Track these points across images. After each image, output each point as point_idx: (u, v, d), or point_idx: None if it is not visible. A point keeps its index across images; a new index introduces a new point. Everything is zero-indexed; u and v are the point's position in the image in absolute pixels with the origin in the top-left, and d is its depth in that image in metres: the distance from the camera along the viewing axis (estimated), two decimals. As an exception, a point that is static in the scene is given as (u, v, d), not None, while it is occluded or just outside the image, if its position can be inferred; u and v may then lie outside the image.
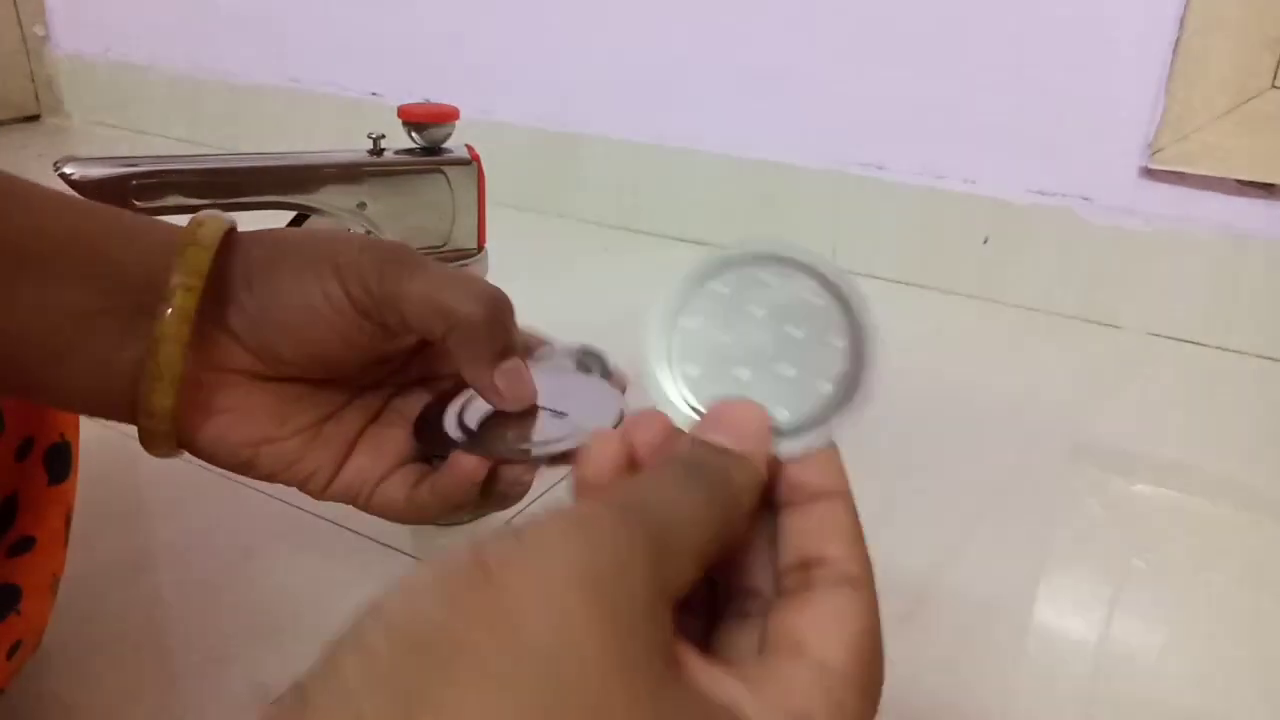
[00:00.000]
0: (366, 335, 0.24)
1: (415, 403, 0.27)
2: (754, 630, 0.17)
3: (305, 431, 0.25)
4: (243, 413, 0.25)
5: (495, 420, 0.25)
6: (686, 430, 0.18)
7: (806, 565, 0.17)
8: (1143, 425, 0.55)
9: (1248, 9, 0.59)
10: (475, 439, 0.25)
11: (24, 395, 0.26)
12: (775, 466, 0.18)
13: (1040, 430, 0.54)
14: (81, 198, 0.25)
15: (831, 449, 0.18)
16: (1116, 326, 0.68)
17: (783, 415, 0.18)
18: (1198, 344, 0.66)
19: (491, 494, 0.25)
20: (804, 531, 0.17)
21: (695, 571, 0.15)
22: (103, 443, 0.39)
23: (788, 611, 0.16)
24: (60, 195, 0.24)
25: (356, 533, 0.41)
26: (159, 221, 0.25)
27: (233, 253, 0.24)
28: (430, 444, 0.26)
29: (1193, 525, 0.46)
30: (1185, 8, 0.60)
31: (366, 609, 0.13)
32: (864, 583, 0.17)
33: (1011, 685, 0.35)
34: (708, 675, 0.15)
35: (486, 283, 0.25)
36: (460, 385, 0.26)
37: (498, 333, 0.24)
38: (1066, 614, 0.39)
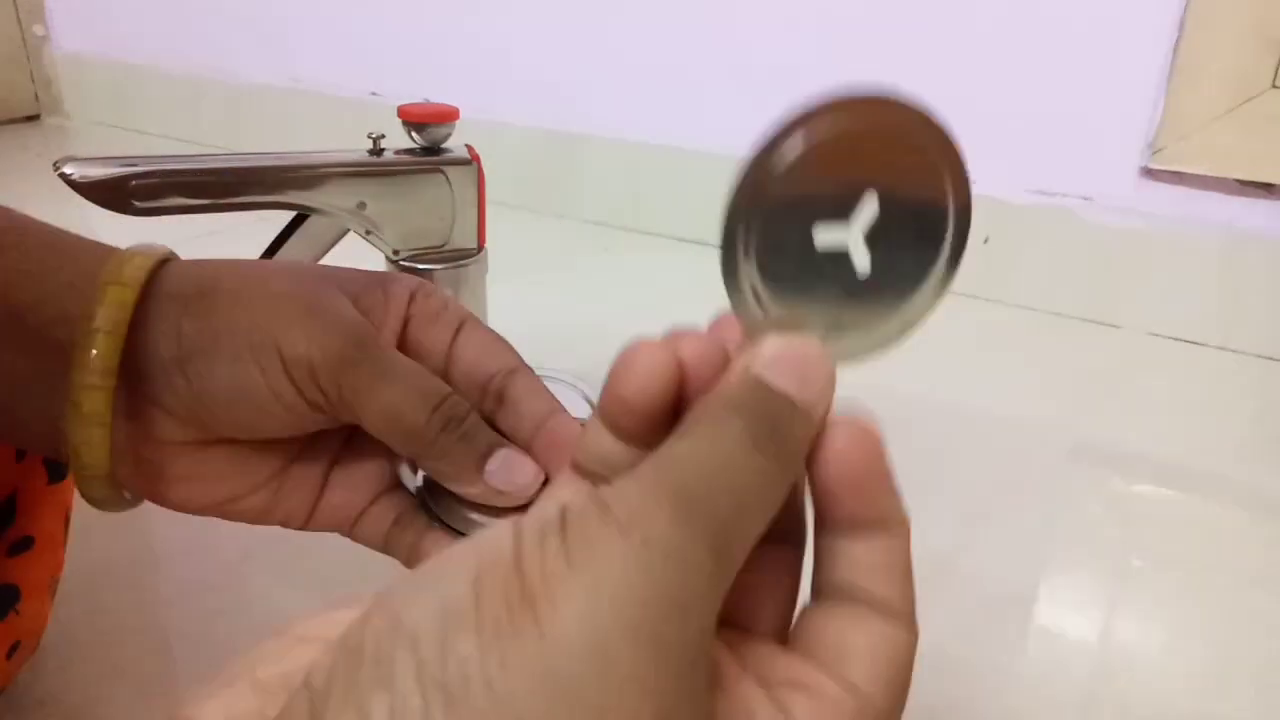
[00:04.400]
0: (317, 424, 0.23)
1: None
2: (769, 578, 0.16)
3: (270, 483, 0.24)
4: (200, 478, 0.23)
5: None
6: (752, 343, 0.15)
7: (858, 596, 0.15)
8: (1142, 425, 0.55)
9: (1248, 9, 0.59)
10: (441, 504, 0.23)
11: None
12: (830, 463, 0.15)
13: (1040, 430, 0.54)
14: (6, 218, 0.22)
15: (893, 489, 0.15)
16: (1116, 326, 0.68)
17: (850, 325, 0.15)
18: (1198, 344, 0.66)
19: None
20: (860, 563, 0.16)
21: (744, 559, 0.14)
22: (102, 442, 0.39)
23: (833, 621, 0.15)
24: None
25: (356, 533, 0.41)
26: (70, 249, 0.22)
27: (156, 321, 0.21)
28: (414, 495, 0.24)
29: (1192, 525, 0.46)
30: (1185, 8, 0.60)
31: (394, 619, 0.12)
32: (913, 626, 0.16)
33: (1011, 685, 0.35)
34: (741, 694, 0.14)
35: (436, 391, 0.22)
36: None
37: (469, 441, 0.22)
38: (1066, 614, 0.39)
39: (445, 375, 0.24)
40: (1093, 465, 0.51)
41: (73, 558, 0.33)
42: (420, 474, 0.25)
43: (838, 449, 0.15)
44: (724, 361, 0.16)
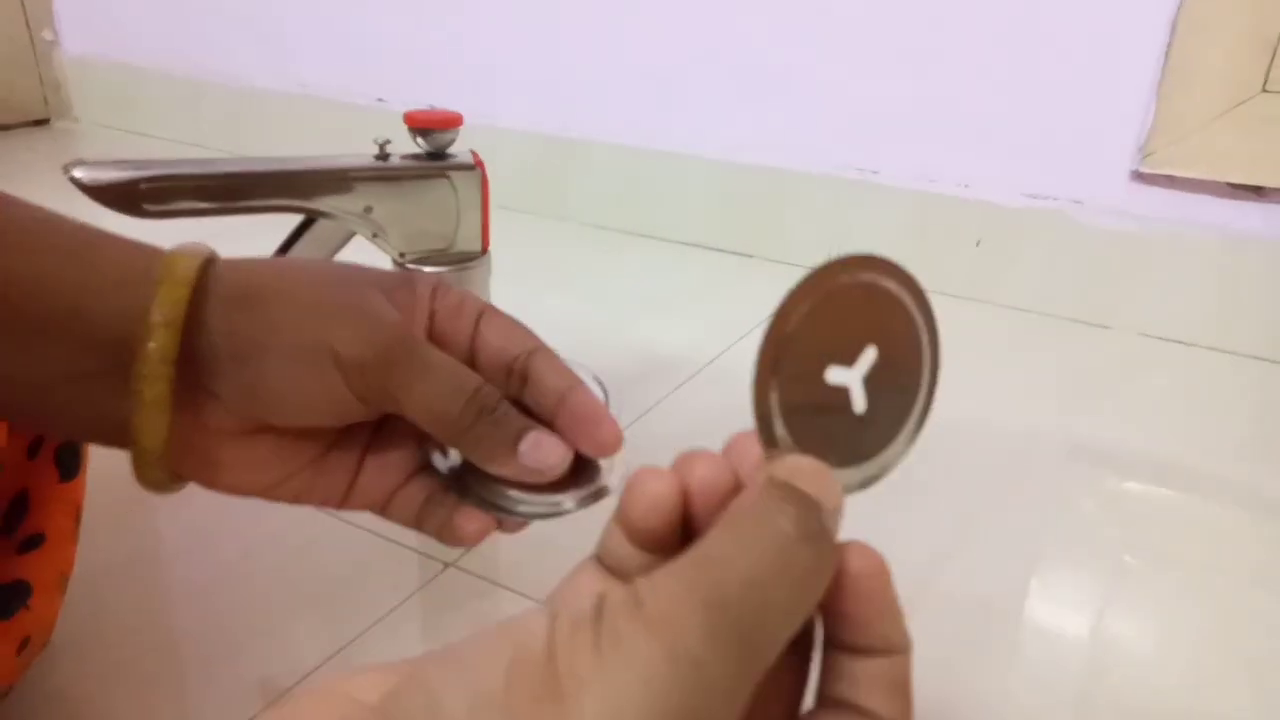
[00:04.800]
0: (362, 415, 0.24)
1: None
2: (774, 682, 0.16)
3: (310, 467, 0.25)
4: (246, 465, 0.25)
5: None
6: (770, 463, 0.16)
7: (858, 713, 0.16)
8: (1135, 427, 0.55)
9: (1239, 12, 0.59)
10: (469, 485, 0.25)
11: (23, 430, 0.26)
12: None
13: (1034, 432, 0.54)
14: (34, 211, 0.23)
15: (898, 612, 0.16)
16: (1109, 328, 0.68)
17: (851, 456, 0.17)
18: (1190, 345, 0.66)
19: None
20: (859, 681, 0.16)
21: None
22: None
23: None
24: (15, 216, 0.23)
25: (362, 528, 0.41)
26: (123, 249, 0.23)
27: (211, 317, 0.23)
28: (437, 459, 0.26)
29: (1186, 526, 0.46)
30: (1177, 11, 0.61)
31: (422, 697, 0.12)
32: None
33: (1007, 684, 0.35)
34: None
35: (470, 382, 0.24)
36: None
37: (505, 425, 0.24)
38: (1062, 613, 0.39)
39: (472, 362, 0.26)
40: (1088, 466, 0.51)
41: (81, 556, 0.33)
42: (456, 456, 0.26)
43: (852, 571, 0.15)
44: (734, 484, 0.17)
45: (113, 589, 0.38)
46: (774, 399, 0.16)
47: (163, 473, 0.23)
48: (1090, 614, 0.39)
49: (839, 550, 0.15)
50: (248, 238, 0.44)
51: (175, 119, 1.10)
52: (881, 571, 0.16)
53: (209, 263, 0.24)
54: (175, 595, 0.39)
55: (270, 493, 0.26)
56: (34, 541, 0.31)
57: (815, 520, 0.14)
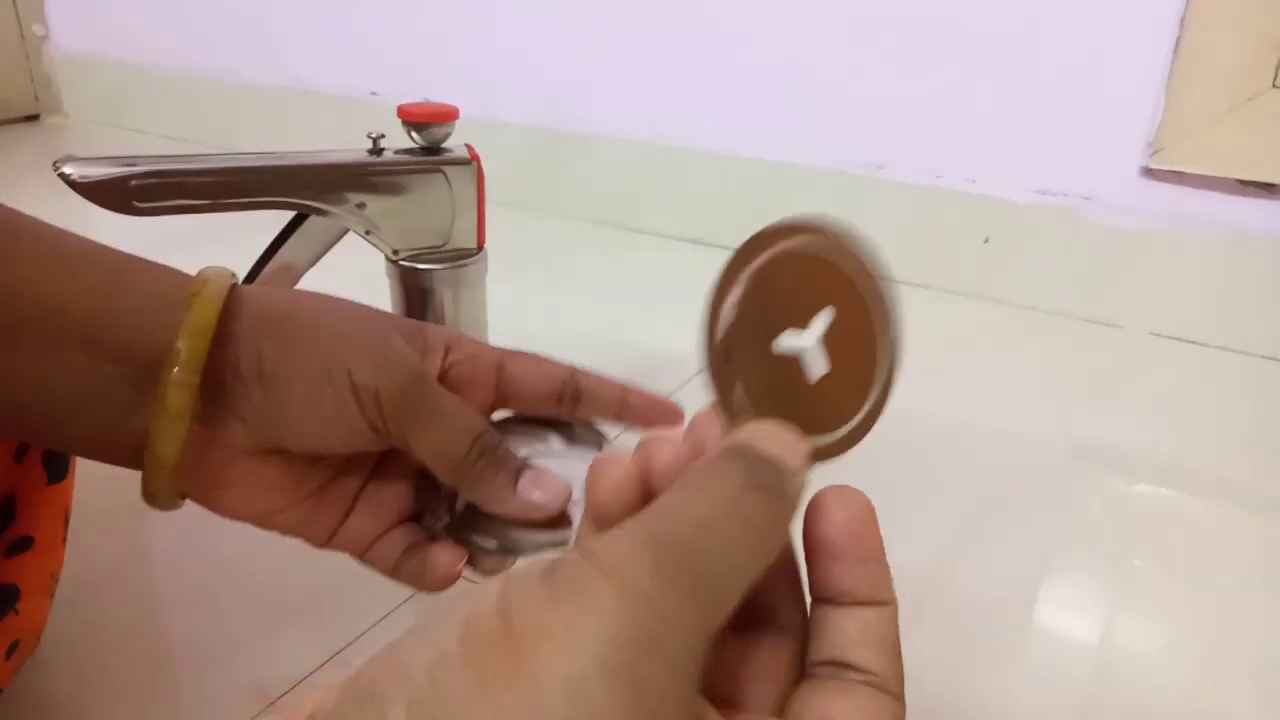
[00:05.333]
0: (374, 445, 0.25)
1: (410, 458, 0.27)
2: (767, 663, 0.17)
3: (311, 498, 0.26)
4: (249, 486, 0.26)
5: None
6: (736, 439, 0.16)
7: (844, 665, 0.16)
8: (1143, 425, 0.55)
9: (1249, 9, 0.59)
10: (465, 524, 0.26)
11: (31, 444, 0.26)
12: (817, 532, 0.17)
13: (1041, 430, 0.54)
14: (60, 238, 0.24)
15: (884, 562, 0.17)
16: (1117, 326, 0.68)
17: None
18: (1199, 343, 0.66)
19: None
20: (849, 635, 0.16)
21: (737, 604, 0.14)
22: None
23: (820, 693, 0.16)
24: (40, 242, 0.23)
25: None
26: (150, 271, 0.24)
27: (238, 337, 0.24)
28: (428, 519, 0.27)
29: (1193, 525, 0.46)
30: (1186, 7, 0.60)
31: (391, 663, 0.12)
32: (900, 698, 0.16)
33: (1011, 686, 0.35)
34: None
35: (475, 426, 0.26)
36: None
37: (504, 468, 0.25)
38: (1067, 615, 0.39)
39: (503, 403, 0.28)
40: (1094, 465, 0.51)
41: (72, 559, 0.33)
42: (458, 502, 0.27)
43: (835, 512, 0.16)
44: (697, 458, 0.17)
45: (104, 592, 0.37)
46: (728, 377, 0.17)
47: (172, 485, 0.24)
48: (1096, 616, 0.39)
49: (821, 495, 0.16)
50: (238, 235, 0.44)
51: (166, 114, 1.10)
52: (865, 510, 0.16)
53: (235, 286, 0.25)
54: (166, 599, 0.38)
55: (267, 520, 0.26)
56: (22, 545, 0.31)
57: (768, 473, 0.15)
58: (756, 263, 0.17)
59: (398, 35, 0.92)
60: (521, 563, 0.25)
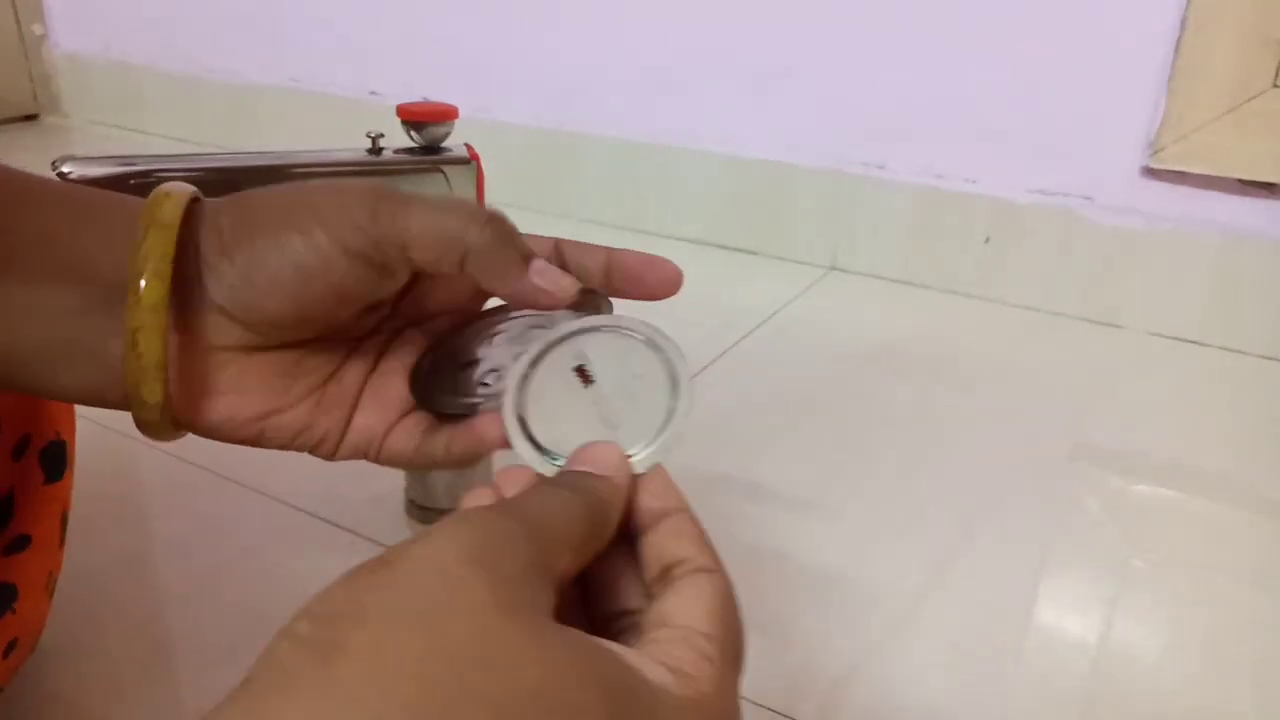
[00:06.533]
0: (360, 282, 0.23)
1: (411, 348, 0.27)
2: (631, 640, 0.19)
3: (308, 397, 0.25)
4: (242, 390, 0.24)
5: (487, 371, 0.26)
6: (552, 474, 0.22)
7: (666, 569, 0.20)
8: (1143, 425, 0.55)
9: (1249, 9, 0.59)
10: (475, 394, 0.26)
11: (22, 392, 0.26)
12: (630, 501, 0.21)
13: (1040, 430, 0.54)
14: (23, 175, 0.24)
15: (666, 478, 0.22)
16: (1117, 326, 0.68)
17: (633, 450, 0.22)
18: (1198, 343, 0.66)
19: None
20: (658, 543, 0.20)
21: (572, 561, 0.18)
22: (100, 441, 0.39)
23: (655, 603, 0.19)
24: (16, 179, 0.23)
25: (352, 532, 0.41)
26: (124, 200, 0.24)
27: (200, 225, 0.23)
28: (431, 403, 0.26)
29: (1192, 525, 0.46)
30: (1186, 7, 0.60)
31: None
32: (716, 568, 0.20)
33: (1011, 685, 0.35)
34: (591, 637, 0.17)
35: (478, 204, 0.24)
36: (455, 327, 0.26)
37: (515, 241, 0.24)
38: (1066, 614, 0.39)
39: None
40: (1093, 465, 0.51)
41: (71, 558, 0.33)
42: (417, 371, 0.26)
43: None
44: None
45: (102, 591, 0.37)
46: (538, 452, 0.22)
47: (162, 393, 0.23)
48: (1095, 615, 0.39)
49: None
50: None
51: (165, 113, 1.10)
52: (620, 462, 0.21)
53: (197, 198, 0.24)
54: (165, 597, 0.38)
55: (265, 425, 0.25)
56: (20, 543, 0.31)
57: (568, 479, 0.20)
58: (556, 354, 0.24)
59: (397, 35, 0.92)
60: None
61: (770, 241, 0.79)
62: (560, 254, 0.26)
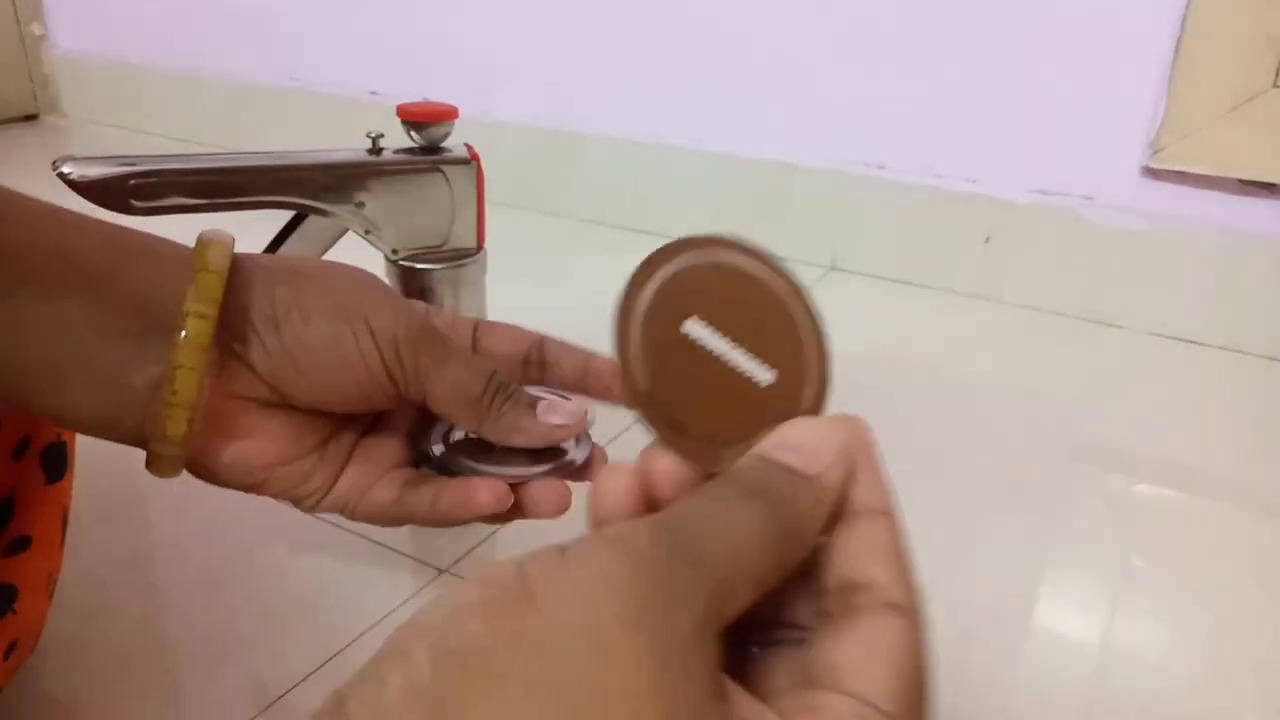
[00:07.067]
0: (388, 399, 0.26)
1: (404, 412, 0.28)
2: (791, 661, 0.17)
3: (313, 453, 0.26)
4: (257, 438, 0.25)
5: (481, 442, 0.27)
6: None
7: (849, 589, 0.16)
8: (1144, 425, 0.55)
9: (1249, 8, 0.58)
10: (461, 452, 0.27)
11: (28, 410, 0.26)
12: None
13: (1041, 430, 0.54)
14: (68, 210, 0.24)
15: (876, 463, 0.17)
16: (1118, 326, 0.68)
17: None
18: (1199, 343, 0.66)
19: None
20: (846, 551, 0.16)
21: (751, 599, 0.15)
22: (100, 442, 0.38)
23: (827, 638, 0.16)
24: (47, 207, 0.24)
25: (354, 533, 0.41)
26: (152, 237, 0.25)
27: (250, 285, 0.24)
28: (434, 462, 0.27)
29: (1194, 525, 0.46)
30: (1187, 7, 0.60)
31: (411, 623, 0.13)
32: (910, 611, 0.16)
33: (1012, 685, 0.35)
34: (749, 710, 0.14)
35: (494, 369, 0.26)
36: None
37: (521, 396, 0.26)
38: (1067, 614, 0.39)
39: (483, 363, 0.29)
40: (1094, 465, 0.51)
41: (71, 559, 0.33)
42: (442, 442, 0.28)
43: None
44: (700, 475, 0.17)
45: (103, 592, 0.37)
46: (657, 397, 0.17)
47: (187, 430, 0.23)
48: (1096, 615, 0.39)
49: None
50: (238, 234, 0.43)
51: (165, 114, 1.10)
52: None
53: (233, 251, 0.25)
54: (166, 599, 0.38)
55: (267, 474, 0.26)
56: (20, 544, 0.31)
57: (758, 486, 0.16)
58: (664, 273, 0.18)
59: (397, 35, 0.92)
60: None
61: (770, 241, 0.78)
62: (542, 351, 0.29)
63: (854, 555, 0.16)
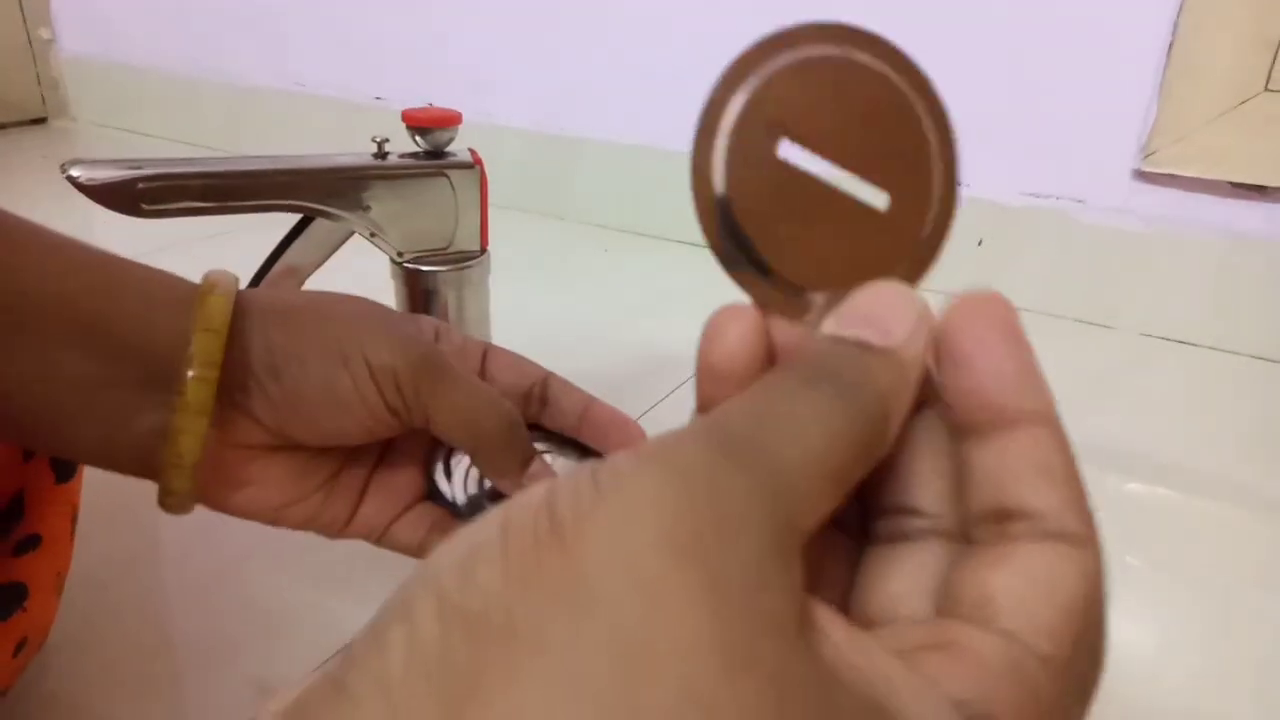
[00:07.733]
0: (388, 428, 0.26)
1: (416, 438, 0.28)
2: (913, 559, 0.13)
3: (321, 489, 0.27)
4: (263, 483, 0.26)
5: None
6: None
7: (1002, 517, 0.13)
8: (1137, 426, 0.55)
9: (1242, 11, 0.59)
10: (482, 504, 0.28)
11: (29, 447, 0.27)
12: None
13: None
14: (66, 239, 0.24)
15: (1022, 338, 0.13)
16: (1111, 328, 0.68)
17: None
18: (1192, 345, 0.66)
19: None
20: (999, 472, 0.13)
21: (833, 500, 0.12)
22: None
23: (977, 566, 0.12)
24: (44, 240, 0.23)
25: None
26: (155, 275, 0.24)
27: (249, 333, 0.24)
28: (456, 510, 0.28)
29: (1187, 525, 0.46)
30: (1180, 10, 0.60)
31: (422, 568, 0.11)
32: (1084, 540, 0.12)
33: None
34: (850, 648, 0.11)
35: (502, 400, 0.26)
36: None
37: (521, 444, 0.26)
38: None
39: None
40: (1087, 465, 0.51)
41: (79, 558, 0.33)
42: (459, 487, 0.28)
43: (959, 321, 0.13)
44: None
45: (110, 590, 0.38)
46: (742, 228, 0.13)
47: (190, 485, 0.24)
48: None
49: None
50: (244, 237, 0.44)
51: (172, 118, 1.10)
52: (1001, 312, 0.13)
53: (239, 290, 0.25)
54: (173, 597, 0.39)
55: (279, 514, 0.26)
56: (30, 543, 0.31)
57: (824, 371, 0.13)
58: (788, 61, 0.13)
59: (401, 41, 0.93)
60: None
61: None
62: (546, 388, 0.29)
63: (1008, 478, 0.13)
